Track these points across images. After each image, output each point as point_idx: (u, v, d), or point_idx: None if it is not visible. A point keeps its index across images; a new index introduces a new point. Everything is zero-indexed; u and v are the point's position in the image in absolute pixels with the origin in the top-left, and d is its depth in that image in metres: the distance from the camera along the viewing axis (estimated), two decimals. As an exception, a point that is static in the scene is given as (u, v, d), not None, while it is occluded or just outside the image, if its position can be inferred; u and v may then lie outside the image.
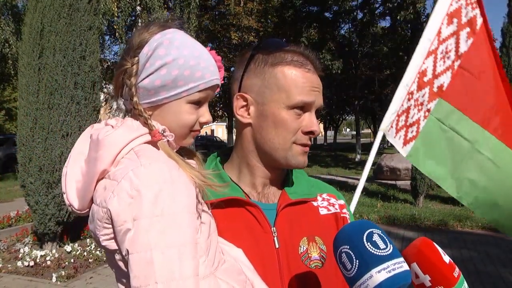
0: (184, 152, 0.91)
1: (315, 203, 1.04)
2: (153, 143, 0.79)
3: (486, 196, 2.04)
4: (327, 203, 1.06)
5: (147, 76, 0.80)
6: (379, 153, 23.57)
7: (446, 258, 0.77)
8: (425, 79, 2.21)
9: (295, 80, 0.91)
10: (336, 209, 1.05)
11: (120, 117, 0.85)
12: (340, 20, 22.33)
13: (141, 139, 0.78)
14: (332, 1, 20.59)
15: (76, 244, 5.66)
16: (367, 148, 29.92)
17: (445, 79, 2.17)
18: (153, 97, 0.81)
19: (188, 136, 0.86)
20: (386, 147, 32.52)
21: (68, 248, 5.52)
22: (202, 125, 0.87)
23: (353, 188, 11.21)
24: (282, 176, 1.03)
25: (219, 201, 0.93)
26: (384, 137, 2.29)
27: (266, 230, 0.93)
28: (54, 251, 5.39)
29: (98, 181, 0.75)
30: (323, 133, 49.86)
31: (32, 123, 5.14)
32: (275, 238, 0.93)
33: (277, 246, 0.92)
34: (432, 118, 2.18)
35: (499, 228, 2.08)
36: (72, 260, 5.22)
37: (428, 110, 2.19)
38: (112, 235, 0.73)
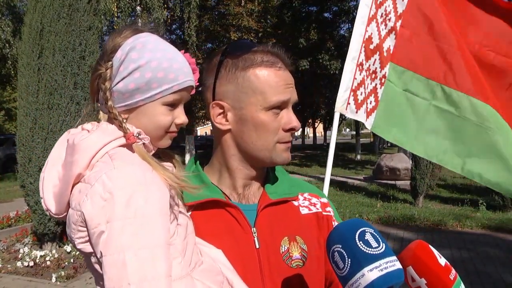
0: (162, 155, 0.92)
1: (296, 203, 1.04)
2: (128, 146, 0.80)
3: (455, 147, 1.98)
4: (308, 202, 1.06)
5: (121, 80, 0.81)
6: (379, 153, 23.62)
7: (442, 261, 0.76)
8: (371, 46, 2.16)
9: (268, 80, 0.91)
10: (318, 208, 1.06)
11: (95, 122, 0.86)
12: (340, 20, 22.32)
13: (115, 143, 0.79)
14: (331, 2, 20.59)
15: (76, 244, 5.65)
16: (367, 148, 29.95)
17: (390, 42, 2.13)
18: (128, 100, 0.82)
19: (164, 138, 0.87)
20: (386, 147, 32.50)
21: (67, 248, 5.52)
22: (178, 126, 0.87)
23: (353, 188, 11.23)
24: (262, 176, 1.03)
25: (199, 203, 0.94)
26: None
27: (246, 231, 0.94)
28: (53, 251, 5.39)
29: (74, 185, 0.76)
30: (323, 133, 49.85)
31: (31, 123, 5.14)
32: (256, 239, 0.94)
33: (257, 246, 0.93)
34: (389, 84, 2.13)
35: (471, 176, 1.98)
36: (71, 260, 5.22)
37: (384, 76, 2.14)
38: (87, 238, 0.74)
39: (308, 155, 25.39)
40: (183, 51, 0.90)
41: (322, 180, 1.95)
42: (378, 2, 2.15)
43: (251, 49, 0.94)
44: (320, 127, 50.23)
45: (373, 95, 2.16)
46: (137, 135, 0.81)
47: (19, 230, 6.34)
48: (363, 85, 2.18)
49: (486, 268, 5.17)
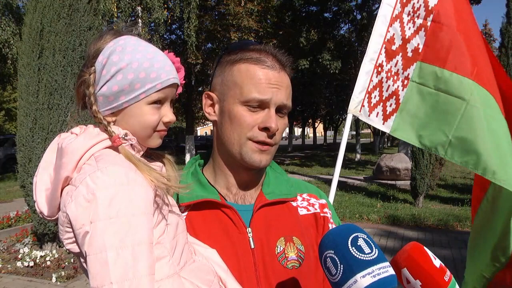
0: (153, 155, 0.93)
1: (294, 203, 1.04)
2: (115, 148, 0.81)
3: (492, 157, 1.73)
4: (306, 203, 1.06)
5: (105, 84, 0.82)
6: (379, 153, 23.61)
7: (437, 262, 0.76)
8: (394, 47, 2.06)
9: (249, 76, 0.92)
10: (316, 209, 1.06)
11: (83, 126, 0.87)
12: (340, 20, 22.34)
13: (101, 145, 0.80)
14: (332, 2, 20.60)
15: (76, 244, 5.66)
16: (367, 148, 29.93)
17: (419, 40, 1.99)
18: (113, 103, 0.83)
19: (153, 137, 0.87)
20: (386, 147, 32.52)
21: (67, 248, 5.53)
22: (166, 125, 0.88)
23: (353, 188, 11.22)
24: (259, 177, 1.04)
25: (195, 203, 0.95)
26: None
27: (241, 231, 0.94)
28: (54, 251, 5.39)
29: (63, 187, 0.78)
30: (323, 133, 49.85)
31: (32, 123, 5.15)
32: (251, 239, 0.94)
33: (252, 246, 0.94)
34: (413, 85, 1.97)
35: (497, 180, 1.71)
36: (72, 261, 5.22)
37: (407, 78, 2.00)
38: (74, 239, 0.75)
39: (308, 155, 25.38)
40: (166, 51, 0.92)
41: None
42: (404, 1, 2.05)
43: (249, 46, 0.96)
44: (320, 127, 50.22)
45: (394, 97, 2.04)
46: (123, 136, 0.82)
47: (19, 230, 6.35)
48: (379, 88, 2.10)
49: (486, 268, 5.17)
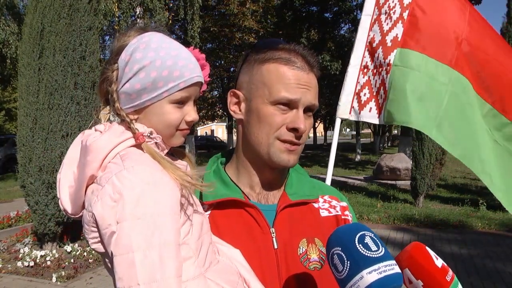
0: (175, 153, 0.92)
1: (316, 205, 1.03)
2: (139, 146, 0.80)
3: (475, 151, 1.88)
4: (328, 205, 1.05)
5: (127, 81, 0.81)
6: (380, 153, 23.59)
7: (439, 262, 0.76)
8: (375, 44, 2.14)
9: (279, 76, 0.92)
10: (337, 211, 1.05)
11: (108, 123, 0.87)
12: (340, 20, 22.33)
13: (126, 143, 0.79)
14: (332, 2, 20.59)
15: (76, 244, 5.66)
16: (367, 148, 29.93)
17: (397, 31, 2.08)
18: (135, 100, 0.82)
19: (176, 136, 0.87)
20: (386, 147, 32.51)
21: (68, 248, 5.53)
22: (189, 124, 0.87)
23: (353, 188, 11.22)
24: (282, 177, 1.03)
25: (218, 201, 0.94)
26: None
27: (264, 231, 0.94)
28: (54, 251, 5.39)
29: (88, 186, 0.77)
30: (323, 133, 49.82)
31: (32, 123, 5.14)
32: (274, 239, 0.93)
33: (275, 246, 0.93)
34: (395, 68, 2.05)
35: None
36: (72, 260, 5.22)
37: (389, 64, 2.07)
38: (99, 238, 0.75)
39: (308, 155, 25.38)
40: (191, 47, 0.90)
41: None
42: (381, 4, 2.15)
43: (278, 45, 0.95)
44: (320, 127, 50.22)
45: (382, 88, 2.11)
46: (148, 134, 0.82)
47: (20, 230, 6.35)
48: (367, 86, 2.15)
49: (486, 267, 5.18)
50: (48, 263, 5.10)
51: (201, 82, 0.88)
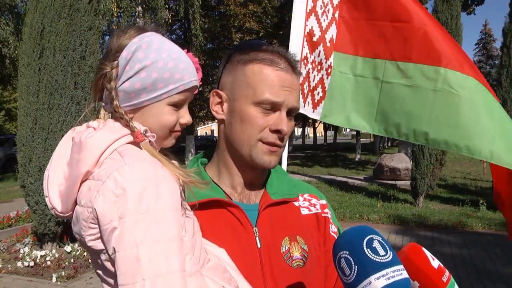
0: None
1: (296, 203, 1.05)
2: (136, 143, 0.81)
3: (415, 120, 1.91)
4: (308, 203, 1.07)
5: (127, 80, 0.81)
6: (380, 153, 23.61)
7: (435, 263, 0.76)
8: (314, 38, 2.15)
9: (263, 77, 0.92)
10: (317, 209, 1.06)
11: (101, 120, 0.86)
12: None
13: (123, 140, 0.79)
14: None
15: (76, 244, 5.65)
16: (367, 148, 29.94)
17: (332, 32, 2.14)
18: (133, 100, 0.82)
19: (169, 137, 0.87)
20: (386, 147, 32.50)
21: (68, 248, 5.53)
22: (182, 126, 0.88)
23: (353, 188, 11.23)
24: (263, 177, 1.04)
25: (201, 202, 0.94)
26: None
27: (248, 230, 0.94)
28: (54, 251, 5.39)
29: (81, 182, 0.76)
30: (323, 133, 49.83)
31: (32, 123, 5.15)
32: (257, 238, 0.94)
33: (259, 246, 0.94)
34: (335, 73, 2.13)
35: (438, 145, 1.90)
36: (72, 260, 5.22)
37: (330, 67, 2.14)
38: (98, 235, 0.74)
39: (308, 155, 25.39)
40: (185, 50, 0.90)
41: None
42: None
43: (261, 47, 0.96)
44: (320, 127, 50.21)
45: (320, 86, 2.16)
46: (144, 133, 0.82)
47: (20, 230, 6.35)
48: (307, 79, 2.17)
49: (486, 267, 5.18)
50: (48, 263, 5.10)
51: (197, 86, 0.89)
